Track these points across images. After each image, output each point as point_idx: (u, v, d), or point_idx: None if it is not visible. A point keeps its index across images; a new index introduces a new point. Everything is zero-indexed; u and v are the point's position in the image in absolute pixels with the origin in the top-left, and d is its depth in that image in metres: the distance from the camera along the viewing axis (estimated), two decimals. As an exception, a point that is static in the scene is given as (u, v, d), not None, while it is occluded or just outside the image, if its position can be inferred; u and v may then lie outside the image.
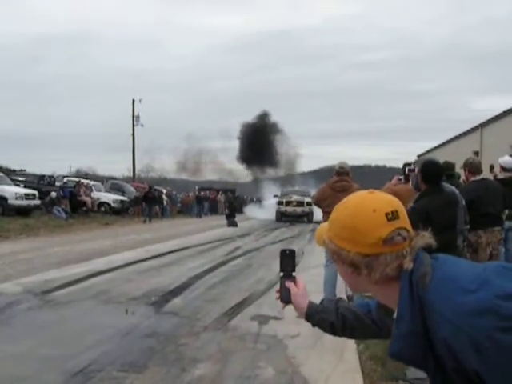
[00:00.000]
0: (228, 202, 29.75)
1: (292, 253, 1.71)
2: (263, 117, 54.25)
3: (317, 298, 6.11)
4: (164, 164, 50.72)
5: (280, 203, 30.25)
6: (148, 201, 25.95)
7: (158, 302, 7.19)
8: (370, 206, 1.26)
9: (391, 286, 1.23)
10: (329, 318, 1.71)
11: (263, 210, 35.11)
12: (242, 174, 51.69)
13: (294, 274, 1.67)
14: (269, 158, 51.89)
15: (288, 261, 1.69)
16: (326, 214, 6.83)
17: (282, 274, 1.67)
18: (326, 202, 6.74)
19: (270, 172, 52.80)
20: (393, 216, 1.23)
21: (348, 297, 6.91)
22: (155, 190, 29.66)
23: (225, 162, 51.55)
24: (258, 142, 50.23)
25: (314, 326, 1.74)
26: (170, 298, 7.47)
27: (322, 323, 1.73)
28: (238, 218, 27.77)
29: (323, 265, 7.07)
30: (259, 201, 40.95)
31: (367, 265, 1.22)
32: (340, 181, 6.80)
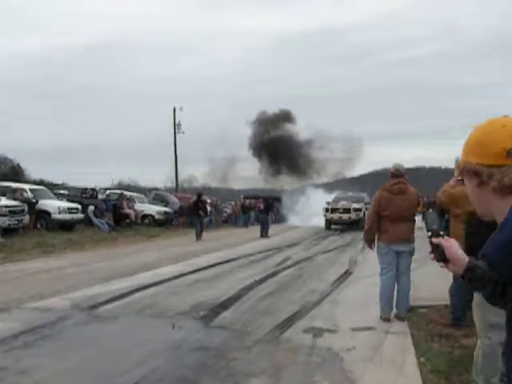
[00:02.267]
0: (260, 209, 29.24)
1: (435, 212, 1.80)
2: (284, 118, 53.08)
3: (372, 309, 6.10)
4: (206, 173, 50.91)
5: (326, 210, 29.92)
6: (196, 211, 22.63)
7: (206, 315, 7.29)
8: (501, 122, 1.50)
9: (507, 200, 1.46)
10: (492, 275, 1.53)
11: (310, 218, 34.81)
12: (286, 181, 51.68)
13: (441, 232, 1.66)
14: (305, 165, 51.23)
15: (433, 220, 1.74)
16: (384, 218, 6.80)
17: (429, 233, 1.67)
18: (385, 207, 6.73)
19: (316, 178, 52.38)
20: None
21: (398, 317, 6.84)
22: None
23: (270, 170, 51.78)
24: (285, 152, 49.75)
25: (470, 281, 1.59)
26: (219, 311, 7.56)
27: (482, 279, 1.55)
28: (281, 226, 27.75)
29: (378, 274, 7.04)
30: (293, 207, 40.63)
31: (489, 174, 1.46)
32: (397, 183, 6.80)
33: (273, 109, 52.96)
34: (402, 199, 6.73)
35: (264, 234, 23.97)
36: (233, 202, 39.09)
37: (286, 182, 51.65)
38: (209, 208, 31.80)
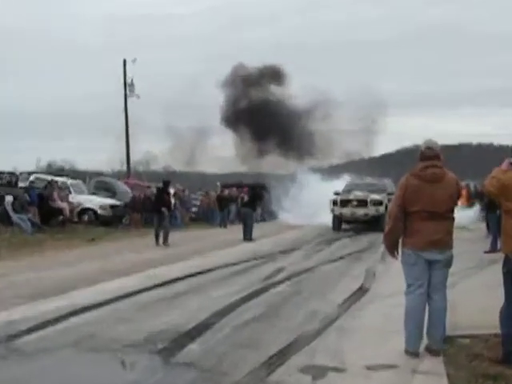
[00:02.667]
0: (242, 203, 28.99)
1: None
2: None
3: (395, 340, 6.12)
4: (169, 151, 50.47)
5: (334, 203, 29.73)
6: (158, 206, 22.10)
7: (167, 348, 7.25)
8: None
9: None
10: None
11: (312, 214, 34.57)
12: (277, 163, 51.09)
13: None
14: (304, 141, 50.61)
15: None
16: (413, 215, 6.78)
17: None
18: (413, 199, 6.72)
19: (321, 159, 51.86)
20: None
21: (430, 350, 6.88)
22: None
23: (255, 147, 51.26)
24: (272, 121, 49.16)
25: None
26: (185, 343, 7.53)
27: None
28: (271, 225, 27.67)
29: (404, 292, 7.06)
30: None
31: None
32: (430, 166, 6.77)
33: (257, 62, 52.14)
34: (436, 189, 6.71)
35: (248, 235, 24.00)
36: (205, 193, 39.04)
37: (276, 165, 51.15)
38: (172, 200, 31.75)
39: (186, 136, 48.84)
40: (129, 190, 32.01)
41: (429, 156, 6.83)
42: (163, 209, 21.67)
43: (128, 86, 43.97)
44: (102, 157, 56.75)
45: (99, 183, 32.56)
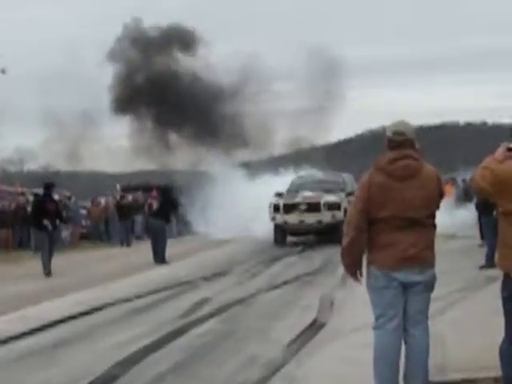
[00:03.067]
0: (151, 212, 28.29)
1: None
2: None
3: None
4: (49, 144, 49.65)
5: (276, 209, 29.69)
6: (39, 220, 21.82)
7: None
8: None
9: None
10: None
11: (241, 225, 34.26)
12: (195, 158, 50.13)
13: None
14: (231, 128, 49.65)
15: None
16: (380, 224, 6.83)
17: None
18: (379, 202, 6.75)
19: (256, 150, 51.10)
20: None
21: None
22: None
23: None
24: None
25: None
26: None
27: None
28: (189, 241, 27.56)
29: (371, 326, 7.12)
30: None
31: None
32: (400, 158, 6.80)
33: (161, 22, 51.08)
34: (410, 188, 6.77)
35: (160, 256, 23.83)
36: (102, 200, 38.85)
37: (192, 160, 50.35)
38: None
39: (70, 124, 48.34)
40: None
41: (399, 144, 6.83)
42: (45, 221, 21.21)
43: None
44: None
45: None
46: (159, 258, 23.82)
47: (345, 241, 6.93)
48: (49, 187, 22.68)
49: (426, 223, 6.83)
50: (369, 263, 6.89)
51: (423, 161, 6.91)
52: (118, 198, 36.84)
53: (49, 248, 21.18)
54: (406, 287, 6.82)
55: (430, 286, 6.92)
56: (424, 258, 6.80)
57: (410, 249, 6.69)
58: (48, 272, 20.61)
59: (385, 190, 6.66)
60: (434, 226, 6.97)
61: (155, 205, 26.63)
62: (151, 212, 27.94)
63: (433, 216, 6.95)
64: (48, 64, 56.39)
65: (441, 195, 7.00)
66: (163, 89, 48.55)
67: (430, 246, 6.88)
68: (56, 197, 31.86)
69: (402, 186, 6.71)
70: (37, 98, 49.94)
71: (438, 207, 7.02)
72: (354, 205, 7.00)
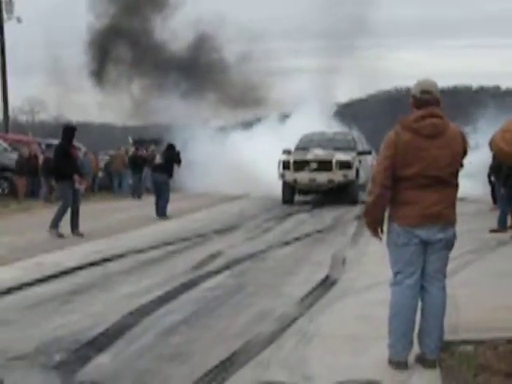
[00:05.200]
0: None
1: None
2: None
3: (375, 348, 6.16)
4: (61, 95, 49.31)
5: (285, 166, 28.97)
6: (68, 171, 17.90)
7: (67, 362, 7.23)
8: None
9: None
10: None
11: (245, 181, 33.33)
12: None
13: None
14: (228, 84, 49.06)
15: None
16: (404, 182, 6.79)
17: None
18: (406, 160, 6.69)
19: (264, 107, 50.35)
20: None
21: (423, 361, 6.95)
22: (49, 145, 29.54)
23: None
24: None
25: None
26: (91, 354, 7.51)
27: None
28: (193, 196, 27.44)
29: (389, 282, 7.09)
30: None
31: None
32: (428, 116, 6.77)
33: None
34: (437, 146, 6.71)
35: (162, 211, 23.74)
36: (112, 152, 38.74)
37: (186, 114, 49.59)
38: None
39: (78, 75, 48.01)
40: (8, 148, 31.68)
41: (425, 102, 6.79)
42: (76, 181, 18.16)
43: (4, 5, 42.98)
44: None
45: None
46: (161, 212, 23.65)
47: (369, 198, 6.97)
48: (72, 131, 18.78)
49: (449, 182, 6.83)
50: (391, 220, 6.91)
51: (447, 119, 6.88)
52: (132, 150, 36.73)
53: (75, 205, 18.27)
54: (426, 245, 6.81)
55: (449, 244, 6.93)
56: (446, 216, 6.81)
57: (433, 206, 6.70)
58: (78, 233, 17.98)
59: (412, 147, 6.63)
60: (457, 185, 6.97)
61: (158, 159, 25.77)
62: (154, 166, 26.96)
63: (456, 175, 6.93)
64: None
65: (464, 153, 6.97)
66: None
67: (453, 205, 6.90)
68: (81, 147, 31.75)
69: (428, 144, 6.68)
70: (52, 48, 49.30)
71: (461, 165, 7.00)
72: (381, 163, 6.95)
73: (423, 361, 6.93)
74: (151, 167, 27.82)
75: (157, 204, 23.89)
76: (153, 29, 49.51)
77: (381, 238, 7.01)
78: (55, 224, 17.64)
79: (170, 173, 24.77)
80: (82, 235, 17.80)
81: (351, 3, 47.14)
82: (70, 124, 20.62)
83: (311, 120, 37.61)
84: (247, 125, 43.88)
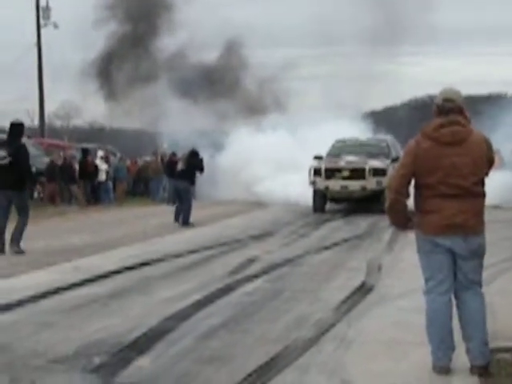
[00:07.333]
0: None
1: None
2: None
3: (415, 353, 6.16)
4: (99, 100, 49.34)
5: (316, 173, 27.96)
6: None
7: (107, 364, 7.27)
8: None
9: None
10: None
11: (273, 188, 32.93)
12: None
13: None
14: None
15: None
16: (426, 190, 6.80)
17: None
18: (426, 169, 6.71)
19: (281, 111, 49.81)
20: None
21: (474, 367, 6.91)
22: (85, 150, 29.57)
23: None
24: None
25: None
26: (131, 356, 7.56)
27: None
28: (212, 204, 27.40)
29: (422, 291, 7.08)
30: None
31: None
32: (448, 124, 6.78)
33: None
34: (458, 154, 6.70)
35: (182, 218, 23.22)
36: (147, 158, 38.70)
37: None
38: (105, 166, 31.51)
39: (118, 81, 48.02)
40: (42, 153, 31.80)
41: (447, 110, 6.80)
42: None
43: (42, 11, 43.22)
44: (4, 106, 55.95)
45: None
46: (184, 220, 23.06)
47: (386, 203, 7.09)
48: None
49: (473, 191, 6.78)
50: (417, 227, 6.95)
51: (471, 127, 6.87)
52: (169, 155, 36.54)
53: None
54: (453, 254, 6.80)
55: (478, 253, 6.89)
56: (470, 226, 6.76)
57: (454, 216, 6.68)
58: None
59: (432, 155, 6.66)
60: (483, 194, 6.91)
61: (180, 165, 25.33)
62: (176, 173, 26.60)
63: (481, 183, 6.88)
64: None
65: (490, 161, 6.95)
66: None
67: (477, 214, 6.84)
68: (100, 152, 31.65)
69: (449, 152, 6.69)
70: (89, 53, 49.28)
71: (486, 174, 6.96)
72: (397, 170, 7.11)
73: (471, 368, 6.87)
74: (173, 174, 27.41)
75: (177, 211, 23.58)
76: (174, 36, 49.38)
77: (411, 231, 7.16)
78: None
79: (192, 180, 24.32)
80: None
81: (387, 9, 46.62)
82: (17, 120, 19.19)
83: (343, 126, 37.16)
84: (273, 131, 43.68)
